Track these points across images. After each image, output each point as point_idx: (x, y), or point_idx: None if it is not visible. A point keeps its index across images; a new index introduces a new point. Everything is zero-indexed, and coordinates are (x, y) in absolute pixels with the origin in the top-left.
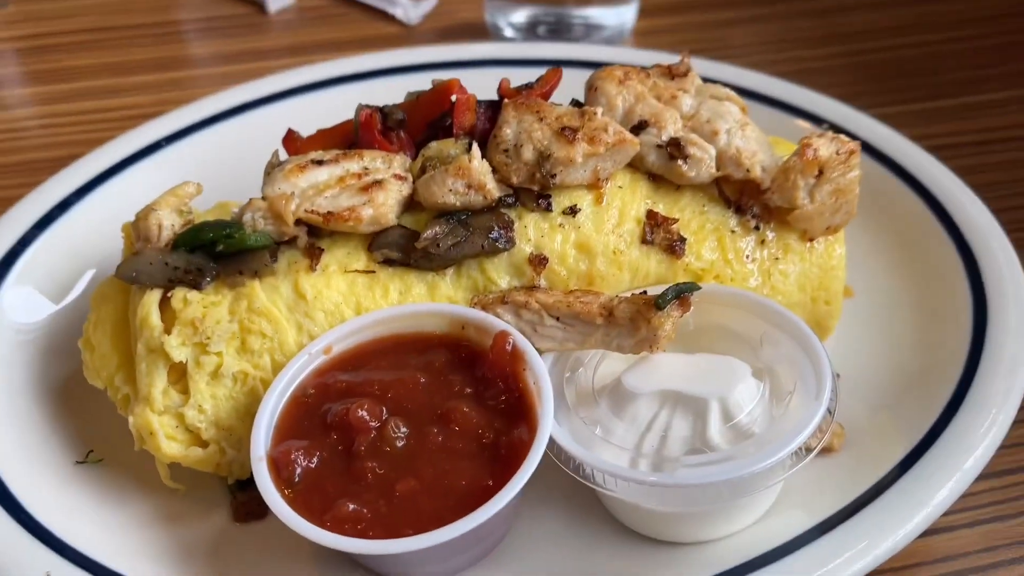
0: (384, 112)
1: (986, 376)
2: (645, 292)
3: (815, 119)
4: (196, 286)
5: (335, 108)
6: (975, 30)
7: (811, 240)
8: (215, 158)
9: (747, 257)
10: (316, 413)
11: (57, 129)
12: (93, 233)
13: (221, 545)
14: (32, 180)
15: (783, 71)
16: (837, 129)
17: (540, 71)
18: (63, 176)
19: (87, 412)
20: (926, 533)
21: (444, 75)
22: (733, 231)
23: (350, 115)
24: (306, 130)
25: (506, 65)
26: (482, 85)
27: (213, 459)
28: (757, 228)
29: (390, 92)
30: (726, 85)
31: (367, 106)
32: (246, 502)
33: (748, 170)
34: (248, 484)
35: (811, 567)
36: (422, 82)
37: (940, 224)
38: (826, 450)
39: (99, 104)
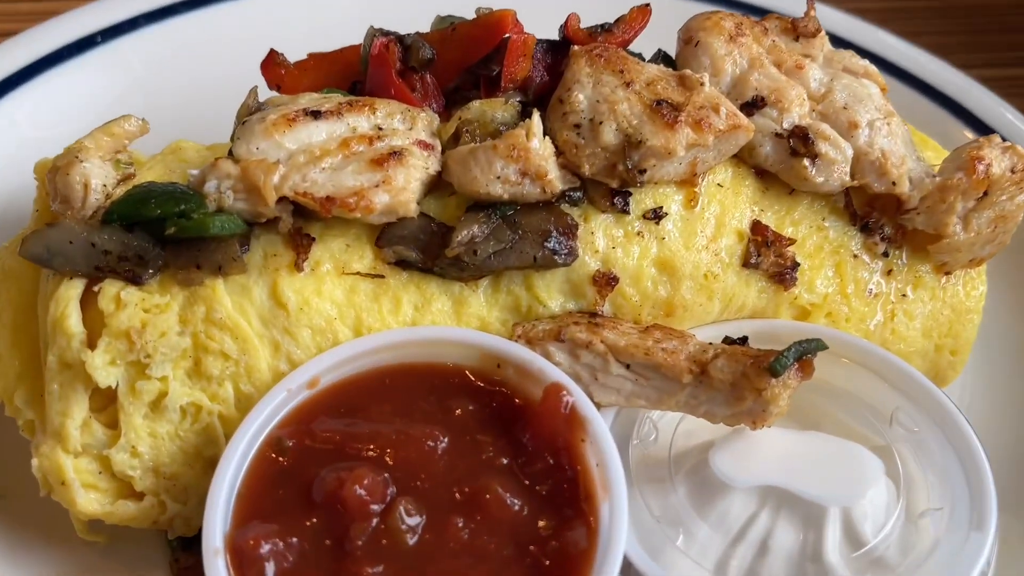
0: (406, 45)
1: None
2: (746, 339)
3: (939, 96)
4: (134, 280)
5: (334, 17)
6: None
7: (948, 274)
8: (167, 70)
9: (869, 291)
10: (295, 479)
11: None
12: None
13: None
14: None
15: (862, 7)
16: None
17: None
18: None
19: None
20: None
21: None
22: (855, 256)
23: (352, 31)
24: (292, 46)
25: None
26: (533, 15)
27: (149, 515)
28: (886, 255)
29: (409, 7)
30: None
31: (382, 32)
32: (192, 567)
33: (894, 183)
34: (195, 543)
35: None
36: (458, 1)
37: None
38: None
39: None
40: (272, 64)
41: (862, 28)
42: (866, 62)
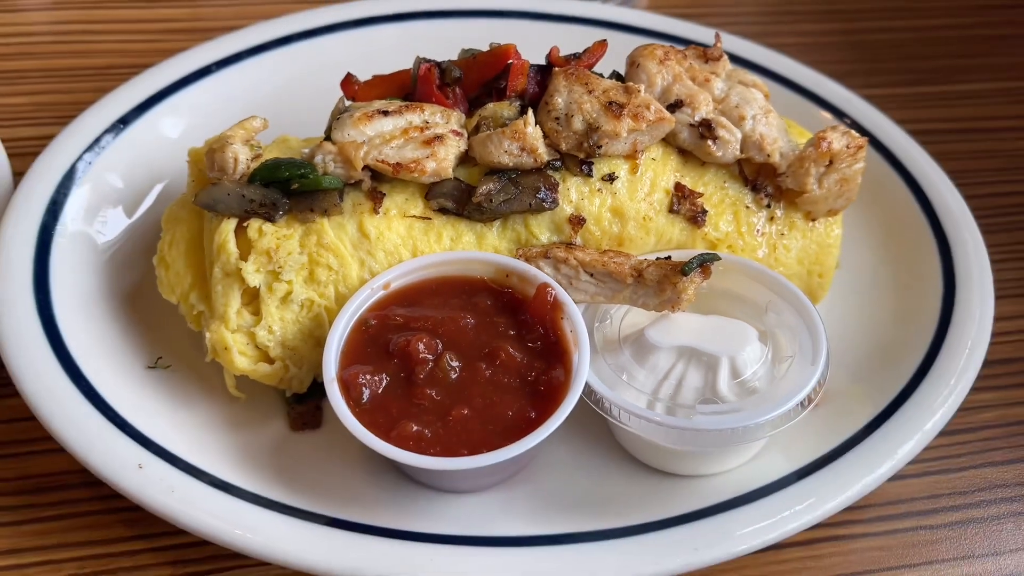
0: (442, 68)
1: (950, 349)
2: (669, 257)
3: (825, 104)
4: (270, 219)
5: (384, 48)
6: (968, 18)
7: (813, 220)
8: (266, 88)
9: (757, 231)
10: (378, 342)
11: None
12: (156, 148)
13: (280, 450)
14: (103, 86)
15: (781, 43)
16: (840, 115)
17: (583, 30)
18: (124, 89)
19: (154, 322)
20: None
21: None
22: (748, 207)
23: (399, 56)
24: (357, 69)
25: (551, 20)
26: (528, 45)
27: (278, 375)
28: (768, 206)
29: (441, 41)
30: (749, 63)
31: (426, 60)
32: (303, 413)
33: (768, 155)
34: (304, 398)
35: (788, 505)
36: (475, 36)
37: (921, 209)
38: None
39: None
40: (348, 83)
41: (761, 51)
42: (755, 76)
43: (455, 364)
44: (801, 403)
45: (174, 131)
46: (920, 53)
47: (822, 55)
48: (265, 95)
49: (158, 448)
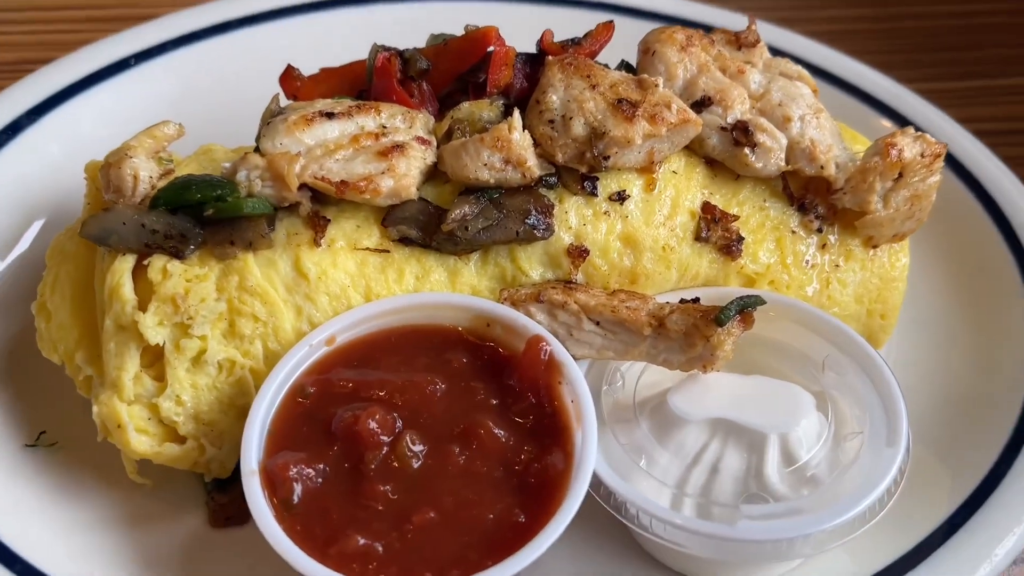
0: (405, 58)
1: None
2: (697, 299)
3: (879, 105)
4: (178, 255)
5: (341, 37)
6: (1015, 2)
7: (875, 247)
8: (194, 86)
9: (806, 262)
10: (316, 418)
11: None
12: (44, 170)
13: (194, 553)
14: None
15: (813, 31)
16: (893, 116)
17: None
18: (7, 95)
19: (39, 385)
20: None
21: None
22: (794, 232)
23: (357, 47)
24: (305, 63)
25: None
26: (514, 31)
27: (190, 457)
28: (820, 230)
29: (406, 26)
30: (782, 55)
31: (384, 48)
32: (226, 505)
33: (822, 167)
34: (228, 484)
35: None
36: (447, 21)
37: (997, 230)
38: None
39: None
40: (289, 77)
41: (800, 41)
42: (800, 67)
43: (418, 448)
44: (879, 501)
45: (68, 147)
46: (962, 43)
47: (853, 45)
48: (195, 93)
49: (9, 556)
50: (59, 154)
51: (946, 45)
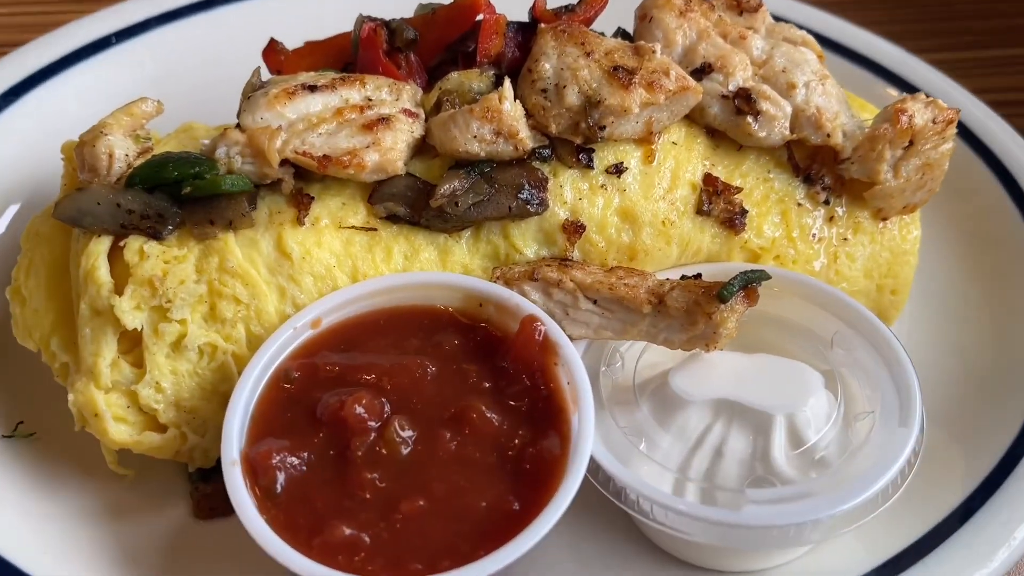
0: (391, 28)
1: None
2: (699, 275)
3: (888, 74)
4: (155, 235)
5: (327, 12)
6: None
7: (884, 219)
8: (177, 65)
9: (813, 235)
10: (302, 403)
11: None
12: (22, 152)
13: (178, 546)
14: None
15: (820, 1)
16: (903, 85)
17: None
18: None
19: (15, 374)
20: None
21: None
22: (800, 204)
23: (343, 21)
24: (290, 38)
25: None
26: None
27: (172, 446)
28: (827, 202)
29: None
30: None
31: (370, 18)
32: (210, 495)
33: (829, 135)
34: (213, 474)
35: None
36: None
37: (1012, 202)
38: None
39: None
40: (272, 51)
41: (804, 9)
42: (804, 32)
43: (407, 434)
44: (891, 483)
45: (56, 121)
46: (973, 11)
47: (860, 14)
48: (178, 72)
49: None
50: (37, 136)
51: (955, 14)
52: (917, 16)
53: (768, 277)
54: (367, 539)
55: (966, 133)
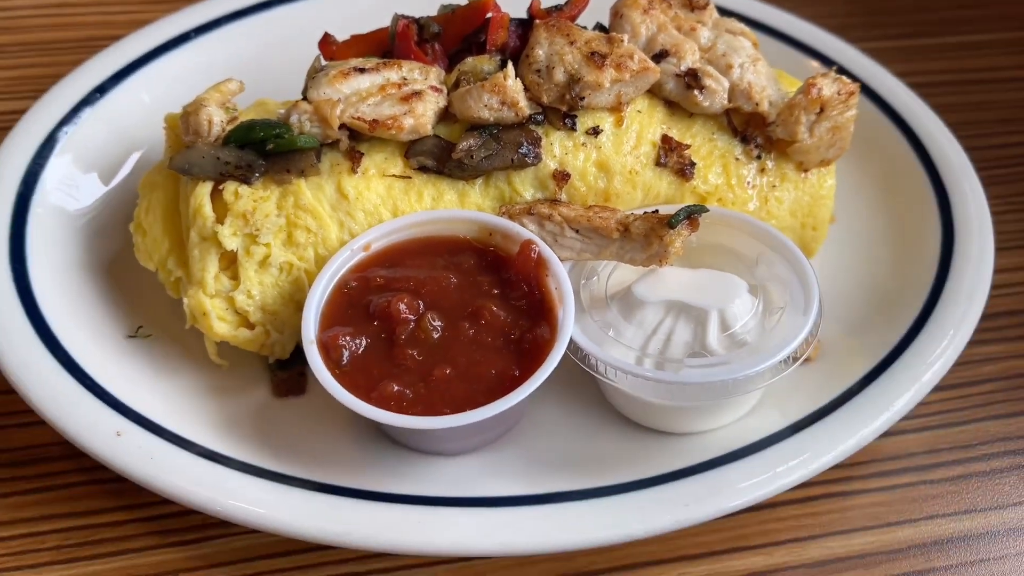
0: (420, 24)
1: (948, 301)
2: (656, 211)
3: (819, 56)
4: (246, 181)
5: (365, 11)
6: None
7: (805, 171)
8: (244, 54)
9: (748, 183)
10: (359, 303)
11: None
12: (134, 116)
13: (263, 417)
14: (83, 59)
15: None
16: (837, 68)
17: None
18: (99, 59)
19: (133, 290)
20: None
21: None
22: (737, 159)
23: (379, 18)
24: (337, 32)
25: None
26: (512, 3)
27: (259, 340)
28: (759, 157)
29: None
30: (739, 16)
31: (403, 16)
32: (286, 380)
33: (757, 104)
34: (287, 364)
35: (782, 460)
36: None
37: (918, 160)
38: (804, 359)
39: None
40: (326, 43)
41: (750, 2)
42: (743, 25)
43: (437, 324)
44: (793, 355)
45: (152, 99)
46: (920, 5)
47: (817, 9)
48: (244, 61)
49: (137, 416)
50: (149, 104)
51: (904, 8)
52: (861, 10)
53: (706, 210)
54: (409, 393)
55: (879, 101)
